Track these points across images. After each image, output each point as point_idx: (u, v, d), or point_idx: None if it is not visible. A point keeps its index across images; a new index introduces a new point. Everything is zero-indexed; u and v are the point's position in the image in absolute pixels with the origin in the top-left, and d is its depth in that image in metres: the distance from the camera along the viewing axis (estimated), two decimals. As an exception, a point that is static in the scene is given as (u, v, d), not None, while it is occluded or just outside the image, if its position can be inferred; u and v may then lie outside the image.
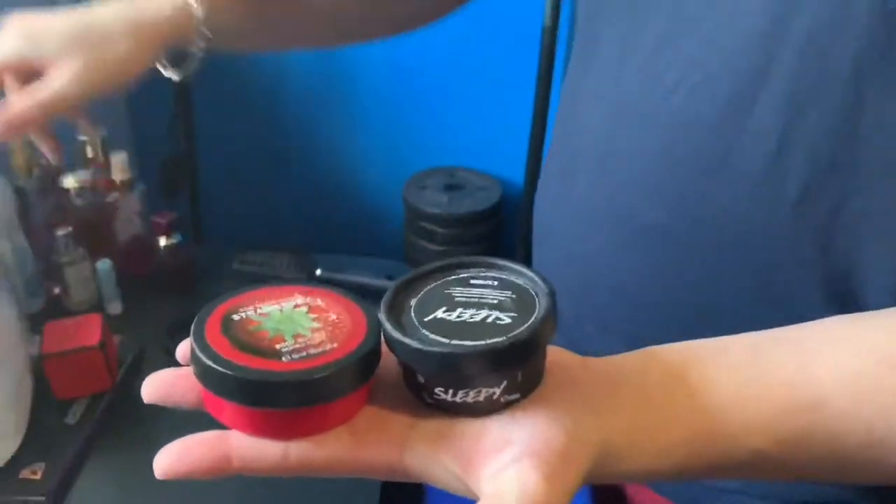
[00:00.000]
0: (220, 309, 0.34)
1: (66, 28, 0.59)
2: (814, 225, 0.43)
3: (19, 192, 1.09)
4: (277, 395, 0.30)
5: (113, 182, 1.16)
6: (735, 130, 0.44)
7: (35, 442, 0.90)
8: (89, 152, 1.17)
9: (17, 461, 0.88)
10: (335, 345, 0.32)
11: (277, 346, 0.32)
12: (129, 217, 1.19)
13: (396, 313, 0.34)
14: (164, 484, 0.36)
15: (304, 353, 0.32)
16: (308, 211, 1.69)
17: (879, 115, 0.40)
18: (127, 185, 1.17)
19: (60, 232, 1.09)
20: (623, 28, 0.51)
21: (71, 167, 1.15)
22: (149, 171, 1.55)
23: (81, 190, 1.12)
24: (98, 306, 1.13)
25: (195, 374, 0.32)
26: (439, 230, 1.58)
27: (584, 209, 0.54)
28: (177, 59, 0.64)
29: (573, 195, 0.55)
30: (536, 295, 0.34)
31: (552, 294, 0.33)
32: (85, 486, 0.88)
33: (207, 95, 1.56)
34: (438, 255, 1.60)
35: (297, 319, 0.34)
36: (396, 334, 0.32)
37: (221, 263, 1.25)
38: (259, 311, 0.34)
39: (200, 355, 0.31)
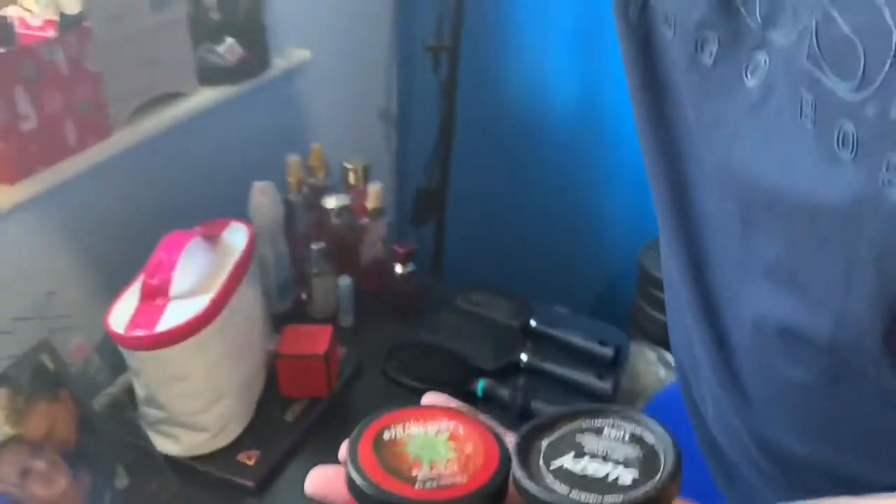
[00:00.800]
0: (376, 424, 0.38)
1: None
2: None
3: (288, 206, 1.24)
4: None
5: (366, 208, 1.27)
6: None
7: (255, 431, 1.01)
8: (351, 179, 1.29)
9: (237, 445, 0.99)
10: (465, 478, 0.35)
11: (413, 473, 0.36)
12: (374, 241, 1.30)
13: (527, 453, 0.36)
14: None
15: (435, 483, 0.35)
16: (541, 258, 1.72)
17: None
18: (377, 213, 1.28)
19: (315, 246, 1.21)
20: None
21: (334, 190, 1.28)
22: (404, 201, 1.68)
23: (339, 211, 1.24)
24: (333, 317, 1.24)
25: (346, 481, 0.37)
26: (671, 301, 1.53)
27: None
28: None
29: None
30: (664, 456, 0.35)
31: (678, 458, 0.34)
32: (289, 481, 0.97)
33: (468, 136, 1.65)
34: (666, 325, 1.55)
35: (436, 446, 0.37)
36: (522, 477, 0.35)
37: (448, 297, 1.32)
38: (407, 431, 0.38)
39: (350, 469, 0.36)
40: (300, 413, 1.05)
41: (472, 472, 0.36)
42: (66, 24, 0.93)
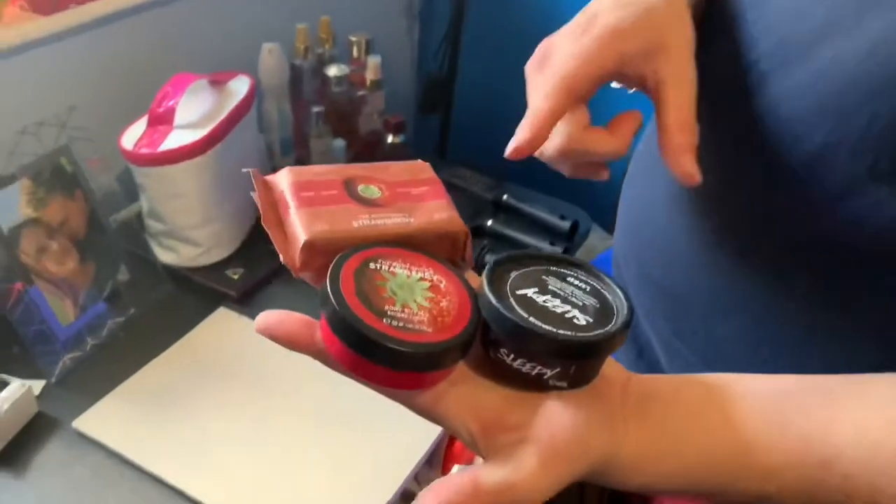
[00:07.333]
0: (364, 253, 0.37)
1: None
2: None
3: (294, 70, 1.36)
4: (363, 345, 0.34)
5: (366, 80, 1.39)
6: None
7: (243, 255, 1.17)
8: (354, 51, 1.41)
9: (226, 262, 1.15)
10: (431, 329, 0.35)
11: (385, 308, 0.35)
12: (371, 113, 1.42)
13: (496, 279, 0.38)
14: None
15: (401, 324, 0.34)
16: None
17: None
18: (375, 85, 1.39)
19: (315, 109, 1.34)
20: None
21: (339, 59, 1.39)
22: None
23: (340, 79, 1.36)
24: (328, 176, 1.38)
25: (320, 294, 0.36)
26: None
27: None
28: None
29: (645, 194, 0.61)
30: (617, 313, 0.37)
31: (629, 317, 0.37)
32: (266, 297, 1.13)
33: (479, 30, 1.74)
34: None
35: (414, 291, 0.36)
36: (488, 294, 0.36)
37: (436, 171, 1.44)
38: (391, 268, 0.37)
39: (328, 285, 0.35)
40: (283, 245, 1.20)
41: (440, 326, 0.35)
42: None
